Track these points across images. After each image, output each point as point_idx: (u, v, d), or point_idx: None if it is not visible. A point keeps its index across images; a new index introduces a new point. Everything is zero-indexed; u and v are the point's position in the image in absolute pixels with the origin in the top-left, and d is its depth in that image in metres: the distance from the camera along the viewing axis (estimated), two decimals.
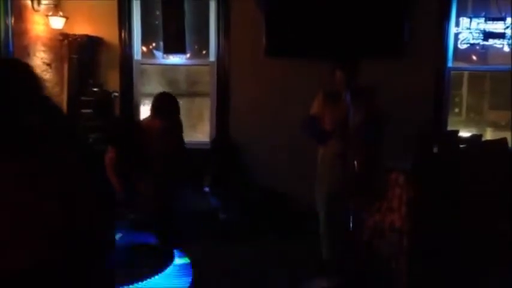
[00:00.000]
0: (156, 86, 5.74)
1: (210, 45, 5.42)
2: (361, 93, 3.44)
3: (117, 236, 3.01)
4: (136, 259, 3.07)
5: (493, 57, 5.44)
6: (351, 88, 3.37)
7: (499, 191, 3.04)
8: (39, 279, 1.23)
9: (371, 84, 3.65)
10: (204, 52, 5.56)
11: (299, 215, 4.76)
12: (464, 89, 5.88)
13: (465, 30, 5.14)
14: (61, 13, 5.01)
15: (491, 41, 5.14)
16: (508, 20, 5.03)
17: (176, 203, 3.92)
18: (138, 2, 5.39)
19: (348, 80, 3.43)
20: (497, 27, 5.09)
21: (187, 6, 5.24)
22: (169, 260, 3.21)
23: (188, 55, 5.50)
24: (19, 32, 4.61)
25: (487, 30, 5.09)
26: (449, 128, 5.19)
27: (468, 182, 3.00)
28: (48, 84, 4.65)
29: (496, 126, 5.74)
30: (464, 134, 5.07)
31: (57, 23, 4.99)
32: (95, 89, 5.12)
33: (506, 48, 5.08)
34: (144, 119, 3.80)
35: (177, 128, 3.92)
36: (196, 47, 5.60)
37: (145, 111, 5.65)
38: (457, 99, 5.84)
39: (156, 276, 2.99)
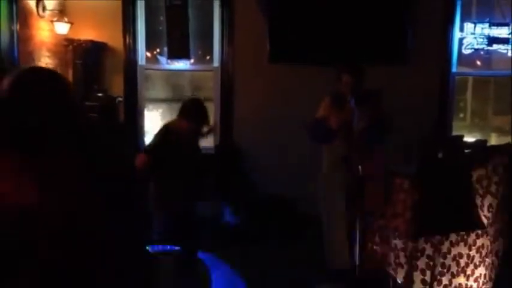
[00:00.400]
0: (160, 91, 5.75)
1: (214, 50, 5.43)
2: (367, 98, 3.45)
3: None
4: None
5: (497, 62, 5.43)
6: (356, 92, 3.38)
7: (504, 196, 3.02)
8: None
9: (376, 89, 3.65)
10: (208, 57, 5.58)
11: (302, 219, 4.74)
12: (469, 94, 5.86)
13: (469, 35, 5.13)
14: (66, 19, 5.04)
15: (495, 46, 5.13)
16: None
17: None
18: (143, 8, 5.42)
19: (354, 84, 3.44)
20: (501, 32, 5.08)
21: (191, 12, 5.26)
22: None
23: (192, 60, 5.52)
24: (24, 38, 4.64)
25: (491, 35, 5.09)
26: (454, 132, 5.18)
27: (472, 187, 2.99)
28: None
29: (500, 131, 5.72)
30: (469, 139, 5.05)
31: (62, 28, 5.02)
32: (100, 94, 5.13)
33: (511, 54, 5.07)
34: (171, 122, 3.79)
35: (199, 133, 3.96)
36: (200, 52, 5.62)
37: (149, 116, 5.67)
38: (461, 104, 5.82)
39: None
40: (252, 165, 5.22)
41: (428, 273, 2.83)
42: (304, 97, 4.64)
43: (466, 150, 4.28)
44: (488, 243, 2.92)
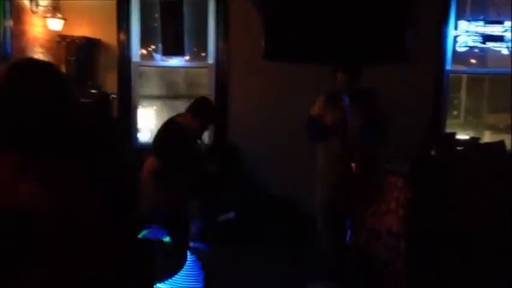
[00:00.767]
0: (154, 88, 5.73)
1: (208, 47, 5.42)
2: (362, 96, 3.44)
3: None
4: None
5: (491, 60, 5.44)
6: (351, 90, 3.37)
7: (497, 193, 3.04)
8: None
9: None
10: (202, 54, 5.56)
11: (299, 217, 4.75)
12: (463, 92, 5.87)
13: (464, 33, 5.14)
14: (59, 15, 5.01)
15: (489, 44, 5.14)
16: (507, 23, 5.03)
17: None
18: (137, 4, 5.39)
19: (349, 82, 3.43)
20: (495, 30, 5.09)
21: (186, 9, 5.23)
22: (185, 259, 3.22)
23: (187, 57, 5.50)
24: (17, 34, 4.61)
25: (485, 33, 5.09)
26: (448, 130, 5.19)
27: (465, 185, 3.00)
28: None
29: (494, 129, 5.74)
30: (463, 136, 5.06)
31: (56, 24, 4.99)
32: (93, 91, 5.10)
33: (505, 51, 5.08)
34: (180, 119, 3.78)
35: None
36: (195, 49, 5.60)
37: (143, 113, 5.66)
38: (455, 102, 5.84)
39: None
40: (247, 162, 5.22)
41: None
42: (300, 94, 4.64)
43: (459, 148, 4.31)
44: None
